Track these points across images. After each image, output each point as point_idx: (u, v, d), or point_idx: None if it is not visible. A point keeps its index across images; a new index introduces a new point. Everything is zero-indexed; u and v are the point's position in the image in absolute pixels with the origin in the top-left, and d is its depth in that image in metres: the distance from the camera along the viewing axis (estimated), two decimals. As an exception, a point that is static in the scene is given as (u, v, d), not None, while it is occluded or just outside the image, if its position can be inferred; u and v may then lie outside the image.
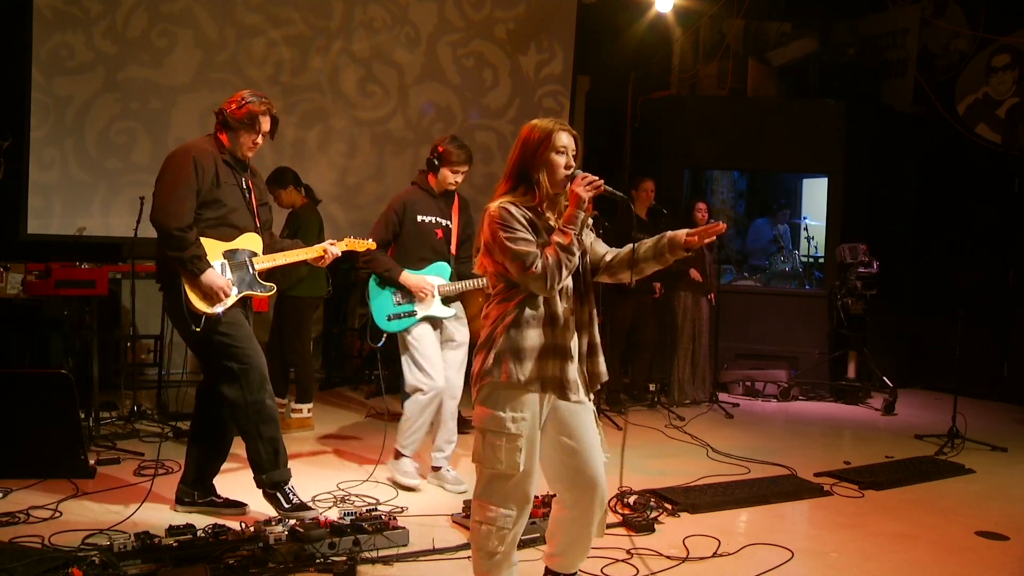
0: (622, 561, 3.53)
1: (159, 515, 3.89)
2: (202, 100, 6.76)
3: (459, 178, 4.50)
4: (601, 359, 2.93)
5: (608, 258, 2.99)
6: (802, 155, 8.18)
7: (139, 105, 6.69)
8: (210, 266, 3.73)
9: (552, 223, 2.84)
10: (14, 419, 4.27)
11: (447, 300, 4.50)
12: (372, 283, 4.50)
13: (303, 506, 3.82)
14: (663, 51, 8.97)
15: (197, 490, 3.97)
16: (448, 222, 4.54)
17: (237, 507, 3.98)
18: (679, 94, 8.89)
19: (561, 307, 2.80)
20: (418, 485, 4.43)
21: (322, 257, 4.03)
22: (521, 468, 2.75)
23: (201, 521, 3.61)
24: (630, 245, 2.94)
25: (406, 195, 4.54)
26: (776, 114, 8.11)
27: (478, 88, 7.99)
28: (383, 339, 4.45)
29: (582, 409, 2.87)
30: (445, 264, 4.51)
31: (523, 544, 3.28)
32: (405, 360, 4.43)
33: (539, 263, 2.69)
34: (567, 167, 2.82)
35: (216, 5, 6.92)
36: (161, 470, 4.44)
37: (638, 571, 3.45)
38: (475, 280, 4.42)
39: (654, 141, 8.47)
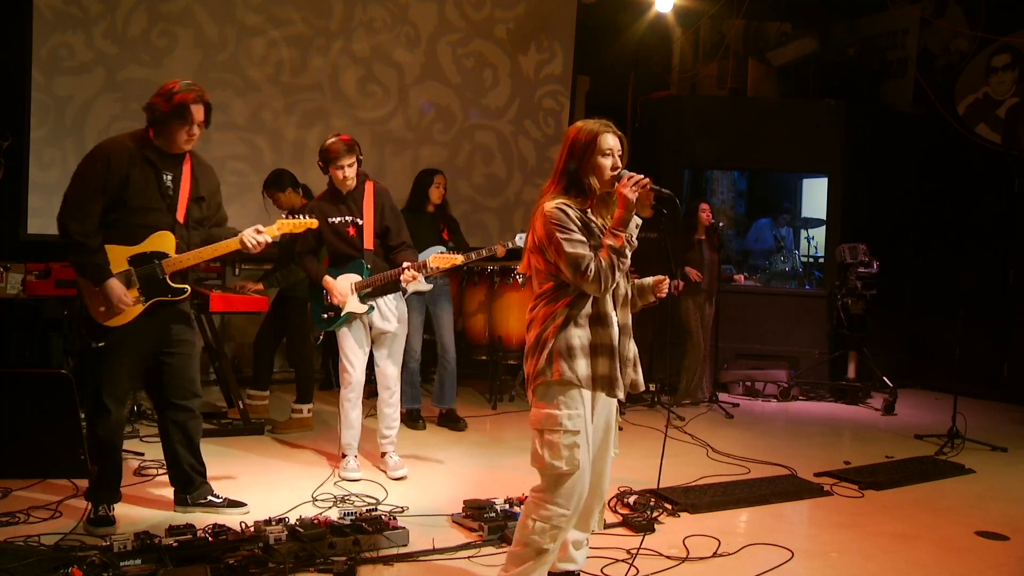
0: (622, 561, 3.53)
1: (159, 515, 3.90)
2: (202, 100, 6.75)
3: (348, 172, 4.58)
4: (640, 369, 3.00)
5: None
6: (802, 155, 8.18)
7: (139, 105, 6.47)
8: (111, 276, 3.60)
9: (599, 224, 2.89)
10: (14, 419, 4.26)
11: (367, 296, 4.60)
12: (310, 285, 4.75)
13: (109, 520, 3.71)
14: (663, 51, 8.97)
15: (188, 492, 3.98)
16: (359, 219, 4.65)
17: (238, 507, 3.99)
18: (679, 94, 8.88)
19: (608, 306, 2.87)
20: (360, 476, 4.61)
21: (248, 248, 3.80)
22: (581, 464, 2.81)
23: (201, 521, 3.62)
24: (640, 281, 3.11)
25: (315, 202, 4.77)
26: (776, 114, 8.11)
27: (478, 88, 7.99)
28: (321, 337, 4.71)
29: (609, 402, 2.96)
30: (360, 261, 4.62)
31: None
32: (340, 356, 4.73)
33: (593, 265, 2.74)
34: (613, 168, 2.86)
35: (216, 5, 6.91)
36: (161, 470, 4.45)
37: (638, 571, 3.45)
38: (390, 272, 4.55)
39: (654, 141, 8.46)
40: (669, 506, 4.22)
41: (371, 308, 4.61)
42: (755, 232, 9.07)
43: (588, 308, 2.83)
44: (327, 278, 4.59)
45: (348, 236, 4.64)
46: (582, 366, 2.80)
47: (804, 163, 8.41)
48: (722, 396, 7.24)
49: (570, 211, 2.81)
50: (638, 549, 3.44)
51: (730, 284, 7.65)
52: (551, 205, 2.82)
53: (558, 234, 2.77)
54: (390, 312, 4.70)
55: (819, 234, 8.68)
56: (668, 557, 3.62)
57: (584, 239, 2.79)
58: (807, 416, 6.97)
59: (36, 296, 5.06)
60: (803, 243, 8.94)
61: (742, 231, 9.37)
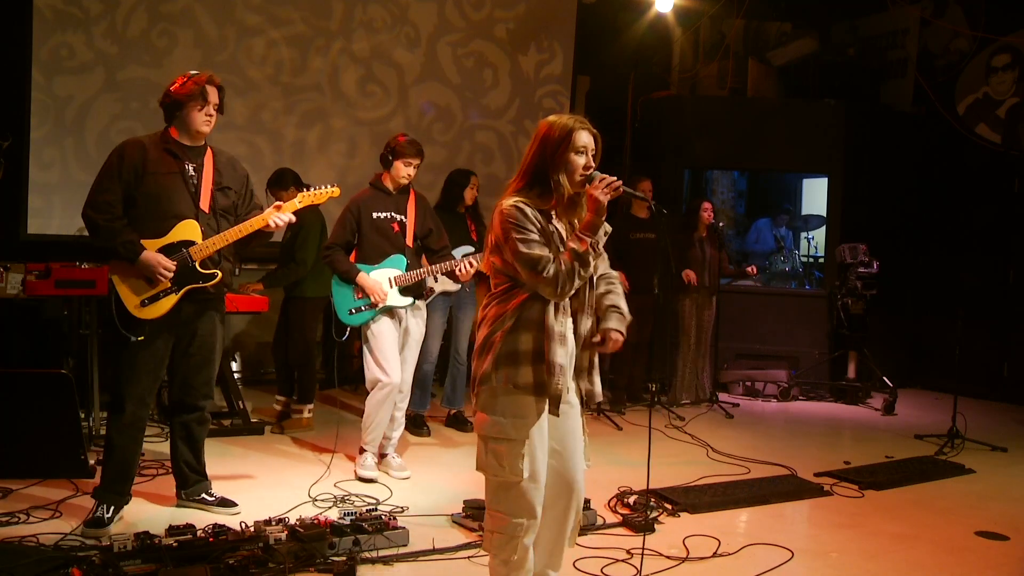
0: (622, 561, 3.53)
1: (159, 515, 3.90)
2: (202, 100, 6.75)
3: (411, 171, 4.70)
4: (598, 379, 2.88)
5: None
6: (802, 155, 8.18)
7: (139, 105, 6.67)
8: (144, 249, 3.65)
9: (560, 229, 2.76)
10: (14, 419, 4.27)
11: (405, 291, 4.66)
12: (334, 279, 4.70)
13: (102, 522, 3.66)
14: (663, 51, 8.97)
15: (184, 488, 4.01)
16: (403, 217, 4.73)
17: (228, 506, 4.00)
18: (679, 94, 8.88)
19: (561, 314, 2.73)
20: (376, 476, 4.59)
21: (270, 227, 3.88)
22: (525, 474, 2.69)
23: (199, 520, 3.62)
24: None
25: (360, 196, 4.77)
26: (776, 114, 8.11)
27: (478, 88, 7.99)
28: (347, 333, 4.74)
29: (571, 413, 2.83)
30: (401, 256, 4.68)
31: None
32: (365, 354, 4.68)
33: (551, 268, 2.60)
34: (586, 168, 2.71)
35: (216, 5, 6.91)
36: (161, 470, 4.45)
37: (638, 571, 3.45)
38: (432, 268, 4.69)
39: (654, 141, 8.47)
40: (669, 506, 4.22)
41: (414, 300, 4.68)
42: (754, 232, 9.08)
43: (540, 313, 2.68)
44: (362, 275, 4.59)
45: (392, 232, 4.67)
46: (528, 373, 2.66)
47: (804, 163, 8.41)
48: (722, 396, 7.24)
49: (528, 209, 2.66)
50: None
51: (733, 282, 7.65)
52: (508, 203, 2.68)
53: (514, 234, 2.63)
54: (421, 316, 4.78)
55: (819, 234, 8.69)
56: (668, 557, 3.62)
57: (541, 239, 2.64)
58: (807, 416, 6.97)
59: (36, 296, 5.05)
60: (803, 243, 8.94)
61: (742, 231, 9.37)
